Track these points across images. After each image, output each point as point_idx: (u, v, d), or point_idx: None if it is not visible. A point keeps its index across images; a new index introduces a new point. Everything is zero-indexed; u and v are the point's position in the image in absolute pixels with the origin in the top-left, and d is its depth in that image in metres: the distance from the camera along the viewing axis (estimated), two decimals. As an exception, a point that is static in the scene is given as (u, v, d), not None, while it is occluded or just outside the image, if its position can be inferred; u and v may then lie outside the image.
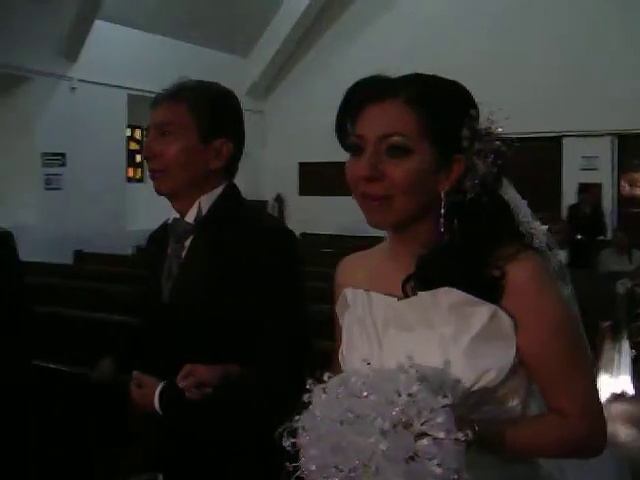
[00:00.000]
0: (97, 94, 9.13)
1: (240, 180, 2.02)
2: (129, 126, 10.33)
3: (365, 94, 1.34)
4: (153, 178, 1.94)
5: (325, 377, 1.18)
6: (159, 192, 1.93)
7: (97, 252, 7.95)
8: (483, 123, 1.34)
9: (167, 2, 9.80)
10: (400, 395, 1.11)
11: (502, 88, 8.51)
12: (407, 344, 1.30)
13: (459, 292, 1.28)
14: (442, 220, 1.33)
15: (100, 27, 9.00)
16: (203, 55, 10.62)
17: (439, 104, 1.32)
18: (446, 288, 1.29)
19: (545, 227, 1.44)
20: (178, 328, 1.88)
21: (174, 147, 1.88)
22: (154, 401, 1.79)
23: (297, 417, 1.17)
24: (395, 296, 1.37)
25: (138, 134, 10.83)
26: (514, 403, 1.33)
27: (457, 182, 1.32)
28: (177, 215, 1.96)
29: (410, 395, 1.11)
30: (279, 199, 12.35)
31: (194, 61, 9.82)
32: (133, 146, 10.70)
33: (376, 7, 11.74)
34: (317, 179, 11.88)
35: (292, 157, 12.33)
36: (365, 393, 1.12)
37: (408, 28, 11.20)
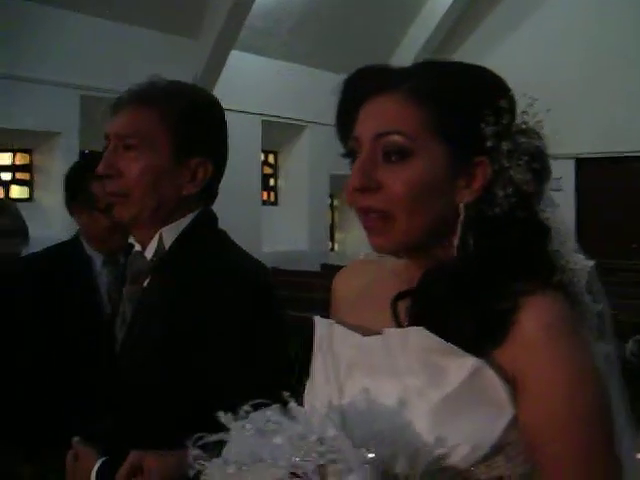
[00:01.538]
0: (233, 121, 9.39)
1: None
2: (263, 151, 10.63)
3: (364, 89, 1.07)
4: (111, 202, 1.54)
5: (243, 411, 0.92)
6: (119, 220, 1.56)
7: (234, 273, 8.15)
8: (518, 117, 1.04)
9: (298, 31, 10.06)
10: (308, 439, 0.86)
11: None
12: (369, 393, 1.00)
13: (433, 336, 0.95)
14: (457, 241, 1.02)
15: (235, 57, 9.34)
16: (335, 80, 10.78)
17: (452, 93, 1.02)
18: (418, 328, 0.97)
19: (591, 263, 1.06)
20: (129, 386, 1.52)
21: (138, 165, 1.49)
22: None
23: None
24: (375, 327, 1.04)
25: (272, 158, 11.13)
26: None
27: (485, 192, 1.01)
28: (139, 248, 1.59)
29: (321, 441, 0.85)
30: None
31: (325, 86, 10.01)
32: (267, 170, 11.00)
33: (515, 16, 11.59)
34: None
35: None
36: (275, 433, 0.88)
37: (549, 37, 11.00)
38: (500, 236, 1.00)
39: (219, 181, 1.63)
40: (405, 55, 11.47)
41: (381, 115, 1.03)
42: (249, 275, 1.51)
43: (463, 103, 1.01)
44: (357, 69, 1.11)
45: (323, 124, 9.68)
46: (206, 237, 1.58)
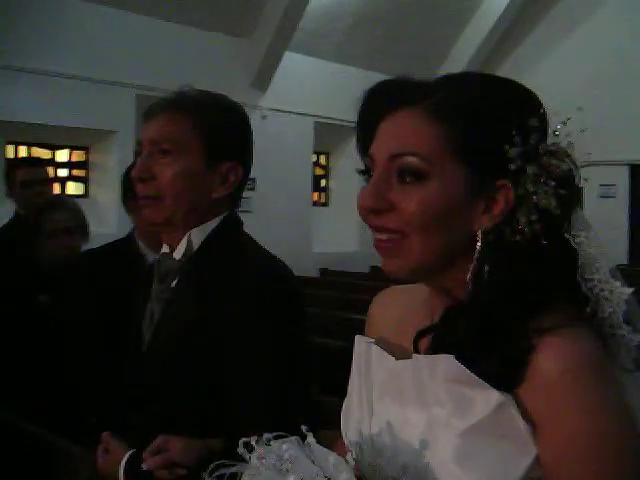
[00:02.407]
0: (285, 122, 9.52)
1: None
2: (315, 152, 10.67)
3: (383, 104, 1.01)
4: (144, 205, 1.59)
5: (263, 440, 0.90)
6: (152, 222, 1.61)
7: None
8: (549, 138, 0.97)
9: (352, 33, 10.08)
10: None
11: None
12: (397, 419, 0.99)
13: (461, 366, 0.91)
14: (472, 268, 0.96)
15: (288, 58, 9.40)
16: (387, 82, 10.79)
17: (474, 110, 0.95)
18: (445, 356, 0.92)
19: (629, 291, 0.97)
20: (154, 385, 1.57)
21: (172, 170, 1.55)
22: (119, 472, 1.47)
23: None
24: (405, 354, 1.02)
25: (324, 160, 11.16)
26: None
27: (506, 218, 0.95)
28: (166, 249, 1.64)
29: None
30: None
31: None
32: (318, 171, 11.04)
33: (563, 29, 11.43)
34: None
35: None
36: (289, 469, 0.86)
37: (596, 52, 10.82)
38: (519, 267, 0.94)
39: (245, 185, 1.69)
40: (459, 57, 11.43)
41: (397, 134, 0.98)
42: (275, 277, 1.54)
43: (487, 121, 0.94)
44: (377, 83, 1.05)
45: (375, 126, 9.68)
46: (233, 239, 1.62)
